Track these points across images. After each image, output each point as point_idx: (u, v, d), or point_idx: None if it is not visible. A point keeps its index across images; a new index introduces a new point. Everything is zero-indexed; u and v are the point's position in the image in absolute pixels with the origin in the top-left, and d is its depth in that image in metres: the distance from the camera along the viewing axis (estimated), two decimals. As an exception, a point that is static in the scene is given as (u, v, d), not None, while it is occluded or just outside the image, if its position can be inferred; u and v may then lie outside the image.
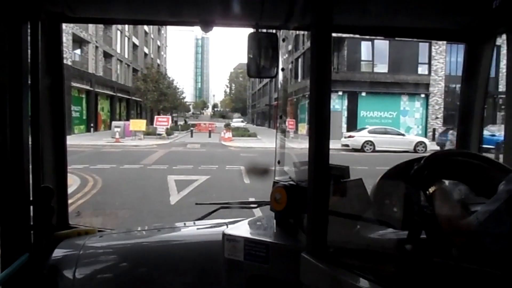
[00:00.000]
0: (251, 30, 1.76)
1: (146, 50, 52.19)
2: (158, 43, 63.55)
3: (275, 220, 1.61)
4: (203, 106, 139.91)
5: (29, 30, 1.49)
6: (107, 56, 36.97)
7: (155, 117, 28.08)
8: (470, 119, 1.97)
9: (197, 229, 1.99)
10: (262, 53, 1.70)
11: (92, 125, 30.58)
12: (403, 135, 21.96)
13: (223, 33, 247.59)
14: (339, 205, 1.48)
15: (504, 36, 1.83)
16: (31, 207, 1.54)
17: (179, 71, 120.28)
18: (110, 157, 15.94)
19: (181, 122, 48.21)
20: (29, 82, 1.52)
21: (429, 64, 28.59)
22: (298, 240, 1.46)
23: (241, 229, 1.62)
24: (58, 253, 1.71)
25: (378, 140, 20.27)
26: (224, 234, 1.55)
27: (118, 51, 40.15)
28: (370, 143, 20.31)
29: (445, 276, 1.11)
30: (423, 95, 28.97)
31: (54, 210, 1.64)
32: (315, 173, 1.20)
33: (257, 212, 3.75)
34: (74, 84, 28.46)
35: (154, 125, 26.91)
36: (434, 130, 27.46)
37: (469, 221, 1.10)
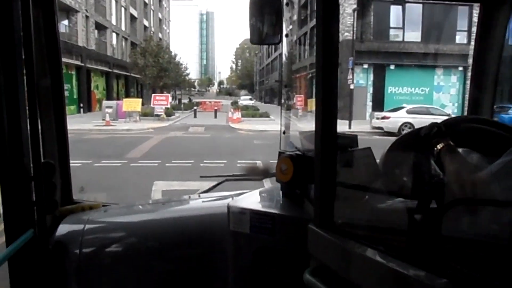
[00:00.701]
0: None
1: (146, 23, 48.19)
2: (160, 15, 59.32)
3: (281, 192, 1.59)
4: (209, 83, 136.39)
5: (19, 4, 1.41)
6: (100, 27, 33.20)
7: (153, 95, 24.49)
8: (483, 84, 1.90)
9: (202, 202, 1.99)
10: (265, 19, 1.60)
11: (82, 105, 27.17)
12: (448, 115, 18.25)
13: (228, 7, 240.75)
14: (347, 175, 1.44)
15: None
16: (32, 183, 1.49)
17: (184, 48, 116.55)
18: (90, 147, 12.55)
19: (185, 100, 44.86)
20: (23, 55, 1.44)
21: (469, 31, 24.45)
22: (305, 211, 1.44)
23: (246, 201, 1.60)
24: (62, 228, 1.70)
25: (419, 122, 16.55)
26: (229, 206, 1.52)
27: (114, 22, 36.31)
28: (410, 125, 16.72)
29: (455, 246, 1.09)
30: (460, 68, 24.98)
31: (56, 186, 1.62)
32: (322, 142, 1.18)
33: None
34: (60, 59, 24.92)
35: (152, 105, 23.41)
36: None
37: (481, 174, 1.11)
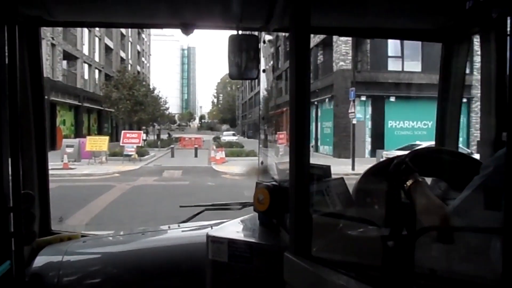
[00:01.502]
0: (233, 32, 1.74)
1: (123, 55, 45.52)
2: (138, 48, 56.95)
3: (258, 221, 1.61)
4: (190, 117, 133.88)
5: (6, 35, 1.42)
6: (70, 57, 30.24)
7: (122, 132, 21.32)
8: (447, 118, 2.01)
9: (182, 231, 2.00)
10: (243, 55, 1.69)
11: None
12: (469, 153, 15.66)
13: (209, 43, 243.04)
14: (322, 204, 1.50)
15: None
16: (11, 214, 1.45)
17: (164, 82, 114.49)
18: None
19: (165, 136, 41.69)
20: (7, 86, 1.46)
21: (471, 61, 22.57)
22: (281, 239, 1.47)
23: (225, 230, 1.61)
24: (40, 260, 1.71)
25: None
26: (208, 236, 1.54)
27: (86, 52, 33.45)
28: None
29: (427, 271, 1.14)
30: (464, 100, 22.78)
31: (35, 217, 1.67)
32: (296, 172, 1.22)
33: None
34: (17, 91, 21.67)
35: (121, 143, 20.21)
36: (478, 142, 21.35)
37: (446, 209, 1.19)
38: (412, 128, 22.64)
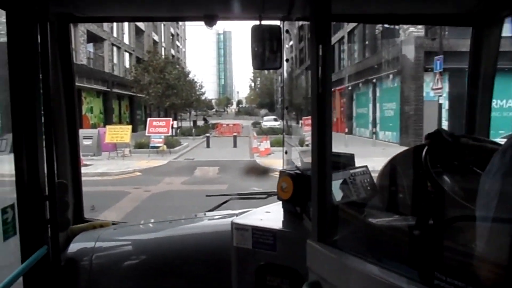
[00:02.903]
0: (255, 22, 1.75)
1: (155, 38, 42.73)
2: (172, 31, 54.12)
3: (282, 209, 1.63)
4: (227, 103, 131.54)
5: (39, 32, 1.50)
6: (95, 39, 27.55)
7: (148, 120, 18.17)
8: (478, 105, 1.95)
9: (208, 220, 2.09)
10: (266, 45, 1.70)
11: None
12: None
13: (245, 27, 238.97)
14: (345, 192, 1.49)
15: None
16: (47, 202, 1.56)
17: (201, 67, 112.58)
18: None
19: (201, 122, 38.76)
20: (41, 80, 1.54)
21: None
22: (304, 227, 1.48)
23: (249, 218, 1.64)
24: (74, 246, 1.81)
25: None
26: (232, 223, 1.57)
27: (114, 34, 30.75)
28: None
29: (453, 261, 1.12)
30: None
31: (69, 205, 1.78)
32: (318, 161, 1.22)
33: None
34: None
35: (147, 133, 17.12)
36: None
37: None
38: (501, 108, 18.13)
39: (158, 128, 16.62)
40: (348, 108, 27.80)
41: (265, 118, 41.36)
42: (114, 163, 14.41)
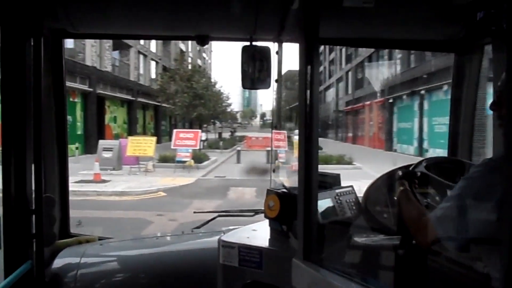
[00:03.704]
0: (246, 43, 1.81)
1: (182, 47, 41.65)
2: (199, 41, 53.12)
3: (269, 227, 1.64)
4: (251, 115, 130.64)
5: (32, 46, 1.53)
6: (121, 46, 26.36)
7: (174, 131, 16.39)
8: (460, 128, 2.01)
9: (195, 237, 2.09)
10: (257, 65, 1.75)
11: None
12: None
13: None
14: (331, 211, 1.53)
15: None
16: (33, 216, 1.54)
17: (225, 79, 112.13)
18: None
19: (227, 134, 37.11)
20: (32, 95, 1.55)
21: None
22: (290, 245, 1.49)
23: (236, 235, 1.64)
24: (59, 261, 1.77)
25: None
26: (219, 241, 1.58)
27: (141, 41, 29.58)
28: None
29: (437, 280, 1.17)
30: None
31: (55, 219, 1.76)
32: (305, 180, 1.25)
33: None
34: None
35: (172, 146, 15.37)
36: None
37: (428, 216, 1.21)
38: None
39: (186, 140, 14.76)
40: (388, 123, 25.54)
41: (296, 131, 39.35)
42: (136, 179, 12.70)
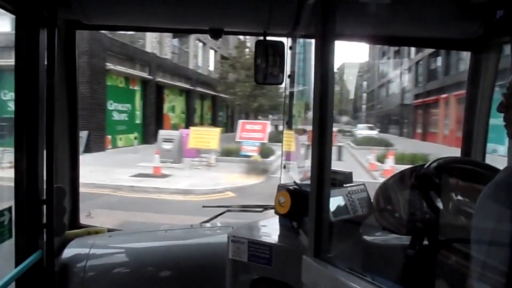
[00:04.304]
0: (260, 37, 1.81)
1: (241, 36, 40.43)
2: (257, 30, 51.85)
3: (279, 223, 1.64)
4: (307, 107, 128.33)
5: (46, 37, 1.53)
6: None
7: (240, 122, 14.97)
8: (474, 129, 1.98)
9: (204, 231, 2.11)
10: (270, 60, 1.76)
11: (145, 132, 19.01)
12: None
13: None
14: (342, 209, 1.52)
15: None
16: (44, 206, 1.56)
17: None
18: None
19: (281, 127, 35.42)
20: (45, 85, 1.55)
21: None
22: (300, 242, 1.49)
23: (246, 231, 1.66)
24: (68, 251, 1.80)
25: None
26: (229, 236, 1.58)
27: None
28: None
29: (447, 281, 1.14)
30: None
31: (66, 210, 1.71)
32: (317, 177, 1.23)
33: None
34: (113, 67, 17.10)
35: (238, 138, 13.97)
36: None
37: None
38: None
39: (252, 133, 13.37)
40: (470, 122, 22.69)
41: (359, 126, 36.77)
42: (198, 174, 11.51)
